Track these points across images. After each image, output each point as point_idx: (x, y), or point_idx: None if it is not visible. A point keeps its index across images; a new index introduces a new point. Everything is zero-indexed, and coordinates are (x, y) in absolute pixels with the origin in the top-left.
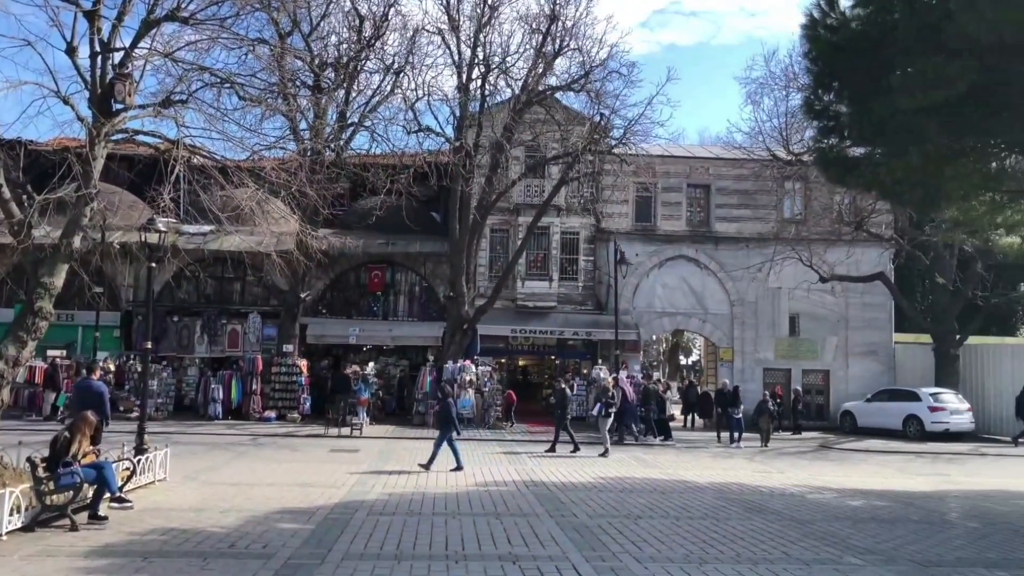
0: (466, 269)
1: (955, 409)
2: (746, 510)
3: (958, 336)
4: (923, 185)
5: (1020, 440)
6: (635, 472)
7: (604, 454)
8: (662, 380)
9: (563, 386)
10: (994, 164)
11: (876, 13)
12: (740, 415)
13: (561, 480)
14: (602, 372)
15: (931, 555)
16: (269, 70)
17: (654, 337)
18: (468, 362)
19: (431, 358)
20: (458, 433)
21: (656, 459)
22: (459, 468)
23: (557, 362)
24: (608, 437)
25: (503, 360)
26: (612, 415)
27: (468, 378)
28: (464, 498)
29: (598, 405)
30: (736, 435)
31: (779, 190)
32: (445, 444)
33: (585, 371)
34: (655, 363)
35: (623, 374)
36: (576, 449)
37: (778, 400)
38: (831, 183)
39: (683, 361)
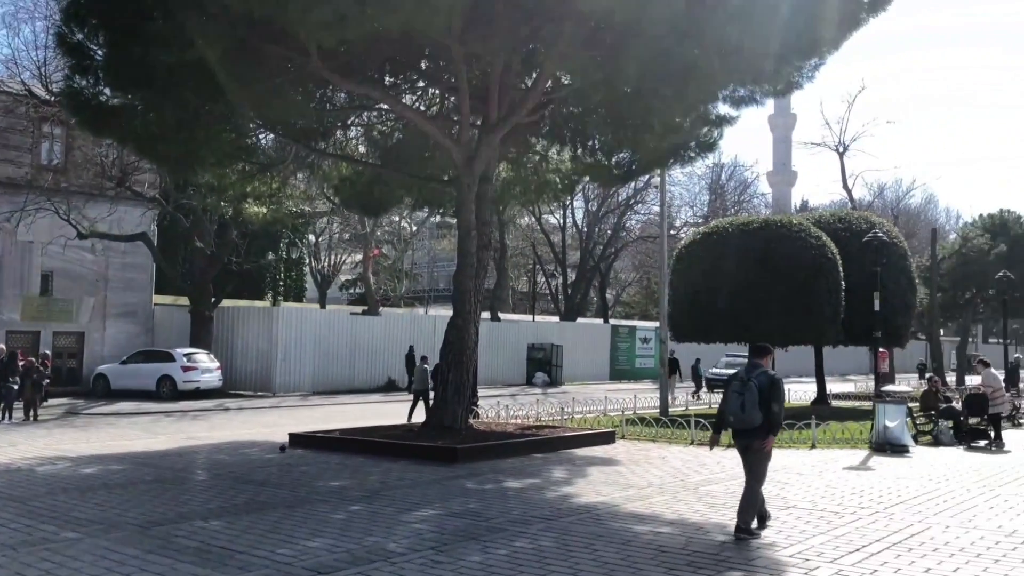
0: None
1: (206, 368)
2: None
3: (213, 299)
4: (179, 145)
5: (409, 388)
6: None
7: None
8: None
9: None
10: (251, 139)
11: None
12: (17, 385)
13: None
14: None
15: (156, 515)
16: None
17: None
18: None
19: None
20: None
21: None
22: None
23: None
24: None
25: None
26: None
27: None
28: None
29: None
30: (8, 408)
31: (36, 132)
32: None
33: None
34: None
35: None
36: None
37: (39, 367)
38: (82, 129)
39: None
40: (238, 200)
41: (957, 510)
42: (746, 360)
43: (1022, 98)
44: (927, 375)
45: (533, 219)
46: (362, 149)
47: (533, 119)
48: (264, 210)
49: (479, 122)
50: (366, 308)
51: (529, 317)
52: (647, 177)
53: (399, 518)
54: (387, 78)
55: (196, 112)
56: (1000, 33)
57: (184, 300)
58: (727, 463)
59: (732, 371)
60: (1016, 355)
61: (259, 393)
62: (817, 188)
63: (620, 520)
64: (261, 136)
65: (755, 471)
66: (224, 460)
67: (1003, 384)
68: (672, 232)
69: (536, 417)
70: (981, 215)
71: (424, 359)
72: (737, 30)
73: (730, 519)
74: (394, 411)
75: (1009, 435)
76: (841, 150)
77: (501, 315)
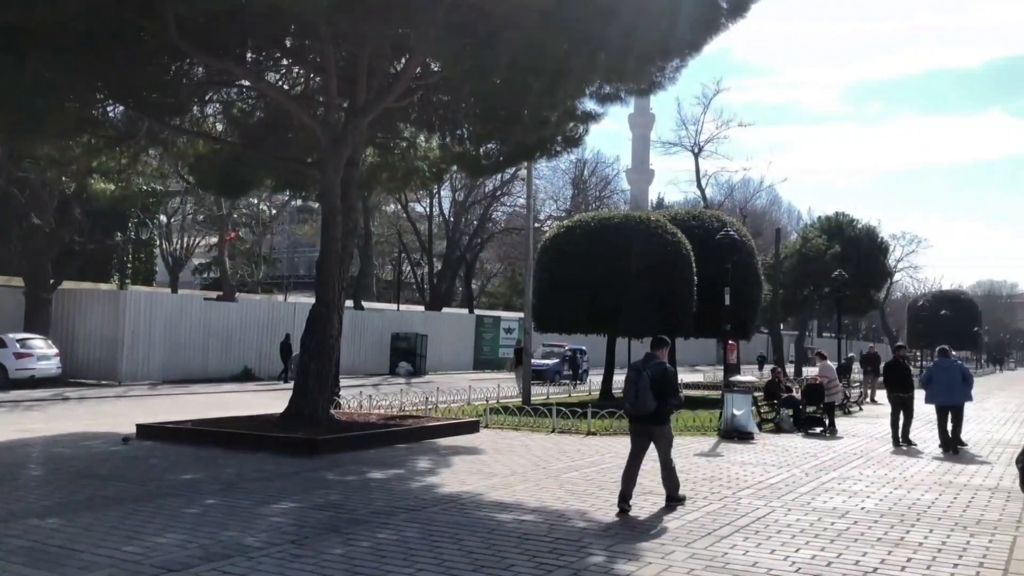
0: None
1: (43, 354)
2: None
3: (52, 280)
4: (15, 113)
5: (285, 378)
6: None
7: None
8: None
9: None
10: (98, 110)
11: None
12: None
13: None
14: None
15: None
16: None
17: None
18: None
19: None
20: None
21: None
22: None
23: None
24: None
25: None
26: None
27: None
28: None
29: None
30: None
31: None
32: None
33: None
34: None
35: None
36: None
37: None
38: None
39: None
40: (83, 175)
41: (797, 493)
42: (560, 349)
43: (850, 109)
44: (771, 367)
45: (399, 207)
46: (220, 127)
47: (402, 104)
48: (112, 187)
49: (346, 104)
50: (221, 293)
51: (394, 306)
52: (514, 169)
53: (257, 511)
54: (249, 54)
55: (35, 78)
56: (821, 54)
57: (18, 281)
58: (587, 451)
59: (549, 361)
60: (850, 354)
61: (103, 382)
62: (673, 187)
63: (484, 509)
64: (110, 108)
65: (664, 453)
66: (63, 453)
67: (837, 375)
68: (536, 225)
69: (400, 407)
70: (819, 217)
71: None
72: (607, 27)
73: (590, 505)
74: (253, 401)
75: (841, 423)
76: (696, 151)
77: (365, 304)
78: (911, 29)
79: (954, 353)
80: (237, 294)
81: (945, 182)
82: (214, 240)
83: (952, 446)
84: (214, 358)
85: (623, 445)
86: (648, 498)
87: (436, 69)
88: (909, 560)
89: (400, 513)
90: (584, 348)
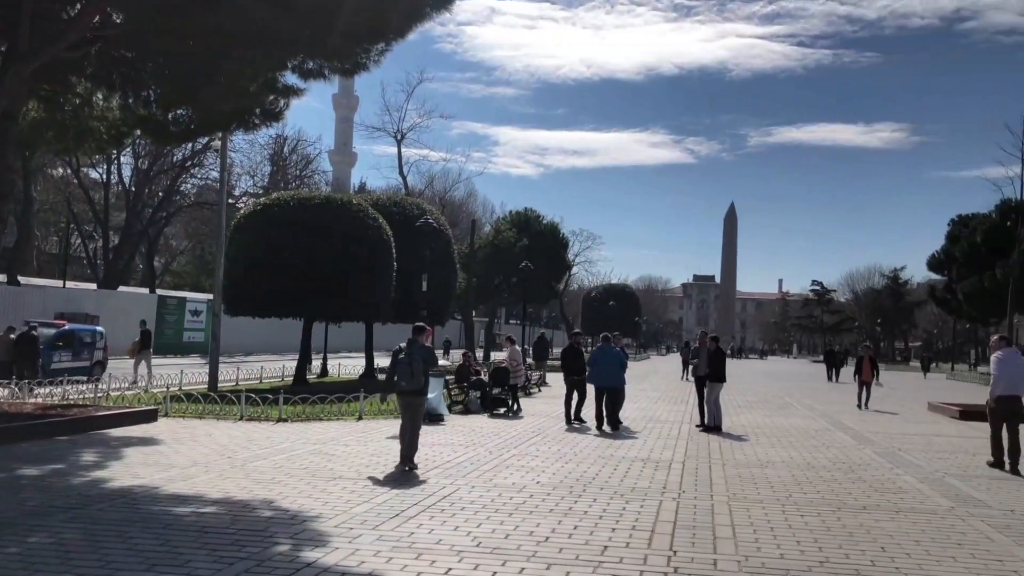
0: None
1: None
2: None
3: None
4: None
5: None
6: None
7: None
8: None
9: None
10: None
11: None
12: None
13: None
14: None
15: None
16: None
17: None
18: None
19: None
20: None
21: None
22: None
23: None
24: None
25: None
26: None
27: None
28: None
29: None
30: None
31: None
32: None
33: None
34: None
35: None
36: None
37: None
38: None
39: None
40: None
41: (481, 471)
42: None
43: (540, 111)
44: (462, 351)
45: (70, 171)
46: None
47: (76, 56)
48: None
49: (3, 49)
50: None
51: (59, 282)
52: (207, 139)
53: None
54: None
55: None
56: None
57: None
58: (276, 438)
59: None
60: (541, 331)
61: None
62: (376, 172)
63: (160, 503)
64: None
65: (416, 422)
66: None
67: (522, 359)
68: (231, 201)
69: (63, 395)
70: (511, 211)
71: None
72: (316, 1)
73: (278, 494)
74: None
75: (524, 403)
76: (399, 137)
77: (22, 279)
78: (588, 35)
79: (624, 340)
80: None
81: (616, 186)
82: None
83: (611, 424)
84: None
85: (317, 431)
86: (338, 482)
87: (119, 20)
88: (576, 527)
89: (58, 513)
90: (100, 329)
